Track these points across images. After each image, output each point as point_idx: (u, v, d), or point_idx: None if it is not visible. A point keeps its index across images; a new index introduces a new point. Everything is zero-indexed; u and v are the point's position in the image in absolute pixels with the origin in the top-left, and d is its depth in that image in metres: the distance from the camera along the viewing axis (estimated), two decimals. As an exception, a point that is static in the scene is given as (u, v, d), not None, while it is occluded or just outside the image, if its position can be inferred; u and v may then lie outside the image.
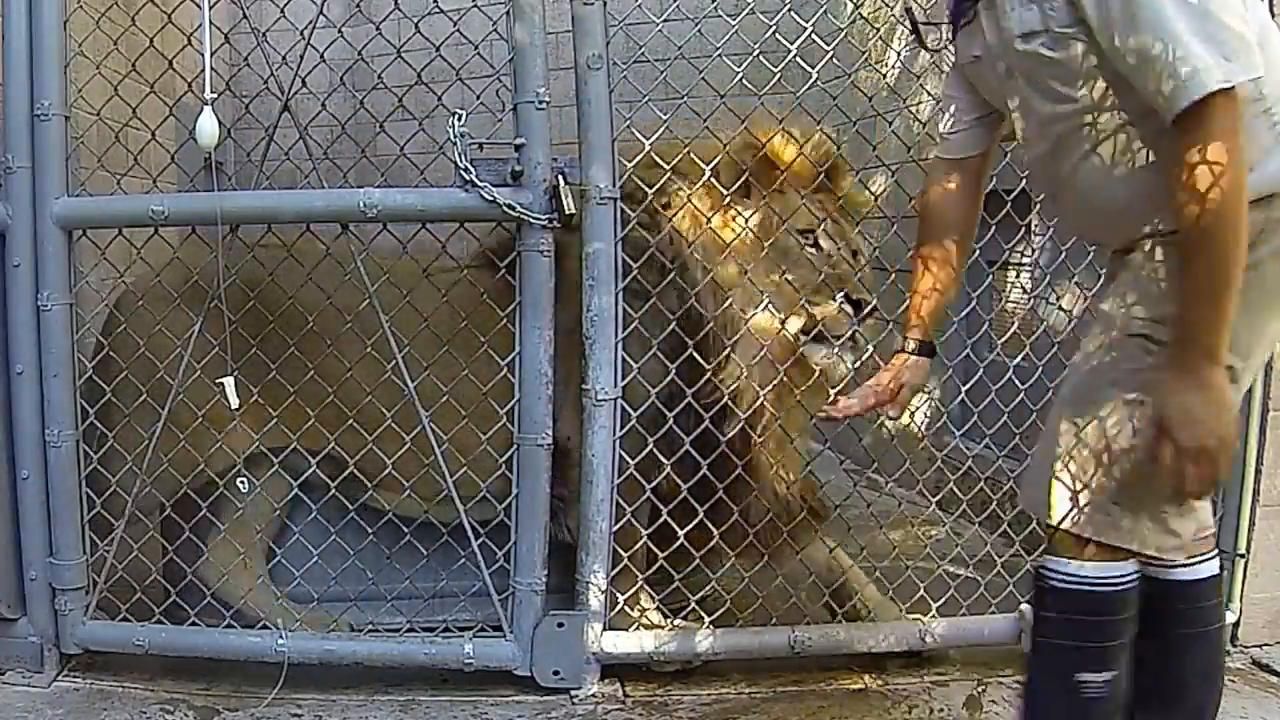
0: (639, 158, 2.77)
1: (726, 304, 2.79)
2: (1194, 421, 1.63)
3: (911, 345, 2.23)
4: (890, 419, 2.30)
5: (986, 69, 1.97)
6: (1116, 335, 1.81)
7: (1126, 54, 1.65)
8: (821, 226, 2.85)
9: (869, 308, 2.79)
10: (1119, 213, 1.83)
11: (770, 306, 2.78)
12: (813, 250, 2.85)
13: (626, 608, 2.86)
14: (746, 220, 2.82)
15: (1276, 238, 1.72)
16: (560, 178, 2.62)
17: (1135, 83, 1.67)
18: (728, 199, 2.81)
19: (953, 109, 2.16)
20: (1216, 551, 1.92)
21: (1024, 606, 2.87)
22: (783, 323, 2.79)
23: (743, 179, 2.81)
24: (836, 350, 2.78)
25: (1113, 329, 1.82)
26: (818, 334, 2.80)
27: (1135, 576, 1.81)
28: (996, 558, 3.00)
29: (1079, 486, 1.79)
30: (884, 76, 3.52)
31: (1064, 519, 1.80)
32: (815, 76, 2.87)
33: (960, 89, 2.13)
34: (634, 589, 2.87)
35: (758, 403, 2.80)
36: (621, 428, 2.75)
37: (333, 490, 2.81)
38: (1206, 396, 1.63)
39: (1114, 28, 1.65)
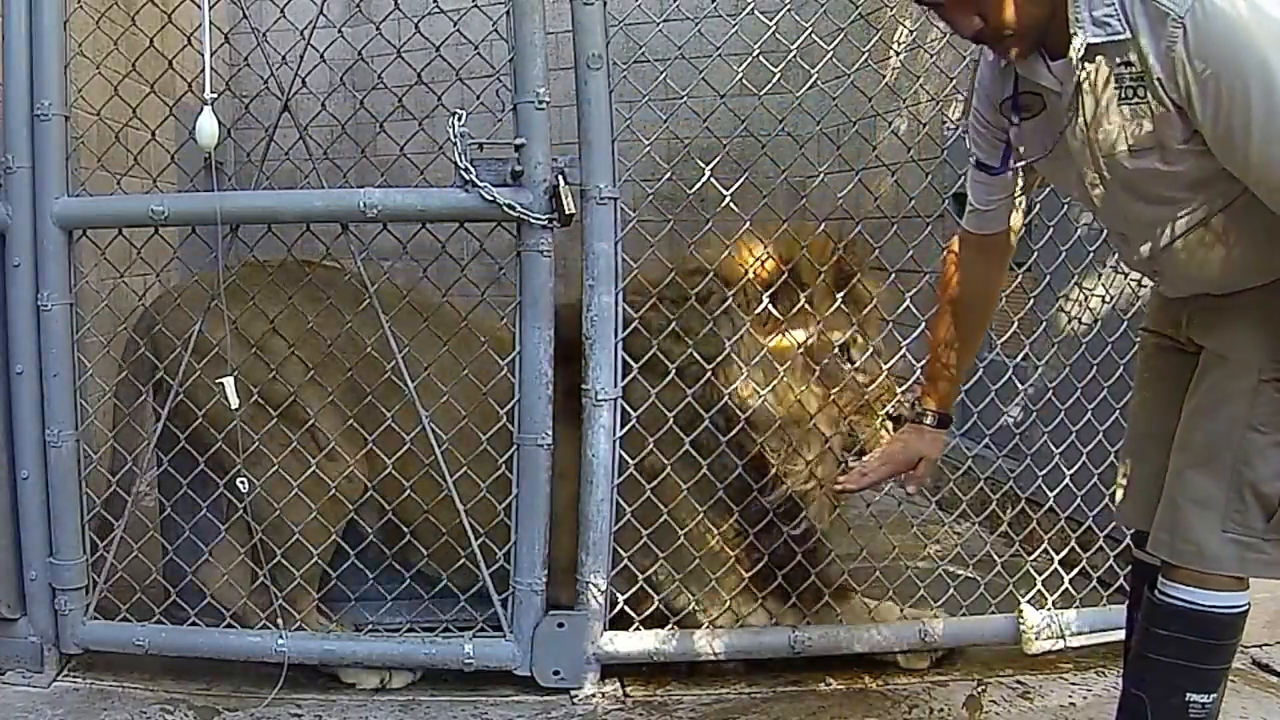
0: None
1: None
2: None
3: (930, 419, 2.20)
4: (908, 493, 2.27)
5: (1058, 166, 1.86)
6: (1250, 381, 1.76)
7: (1262, 162, 1.56)
8: (850, 334, 2.88)
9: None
10: (1228, 276, 1.78)
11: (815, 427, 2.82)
12: (847, 364, 2.89)
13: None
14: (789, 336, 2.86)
15: None
16: (560, 178, 2.62)
17: (1266, 185, 1.59)
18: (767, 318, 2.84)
19: (987, 187, 2.04)
20: None
21: (1025, 607, 2.88)
22: (827, 442, 2.82)
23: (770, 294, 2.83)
24: None
25: (1242, 374, 1.78)
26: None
27: (1249, 603, 1.84)
28: (996, 558, 3.00)
29: (1234, 531, 1.79)
30: (884, 77, 3.52)
31: (1211, 560, 1.80)
32: (815, 76, 2.87)
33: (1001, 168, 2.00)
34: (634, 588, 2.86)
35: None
36: (621, 427, 2.75)
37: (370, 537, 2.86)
38: None
39: (1245, 138, 1.56)
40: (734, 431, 2.81)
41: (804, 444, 2.82)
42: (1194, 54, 1.55)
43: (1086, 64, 1.70)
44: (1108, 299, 3.04)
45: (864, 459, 2.31)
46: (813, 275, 2.85)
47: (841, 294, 2.85)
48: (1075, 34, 1.68)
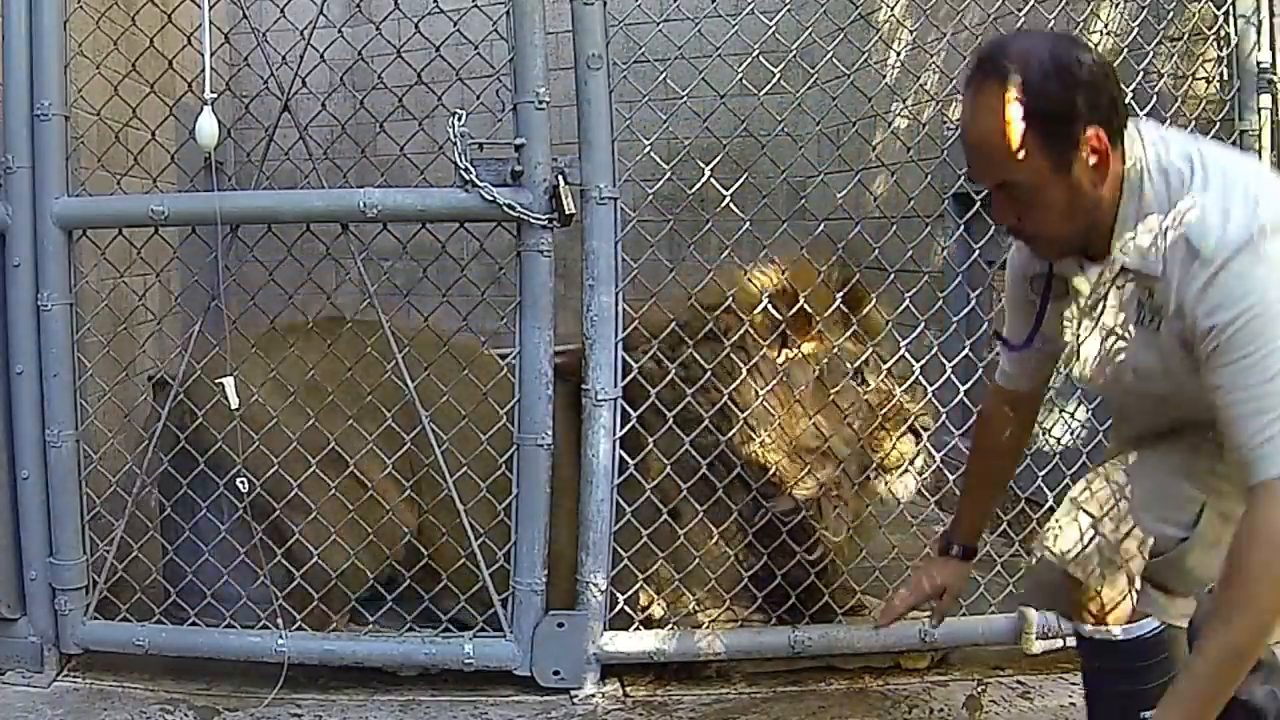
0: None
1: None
2: None
3: (956, 550, 2.23)
4: (933, 626, 2.31)
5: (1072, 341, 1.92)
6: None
7: (1237, 398, 1.58)
8: (865, 358, 2.92)
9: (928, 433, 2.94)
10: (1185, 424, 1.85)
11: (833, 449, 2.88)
12: (862, 387, 2.93)
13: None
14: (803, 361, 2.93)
15: None
16: (560, 178, 2.62)
17: (1232, 424, 1.60)
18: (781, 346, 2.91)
19: (1008, 357, 2.09)
20: None
21: (1025, 608, 2.88)
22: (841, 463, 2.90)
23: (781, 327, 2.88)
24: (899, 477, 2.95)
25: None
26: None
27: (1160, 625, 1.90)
28: (996, 558, 3.00)
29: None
30: (884, 77, 3.52)
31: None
32: (815, 76, 2.87)
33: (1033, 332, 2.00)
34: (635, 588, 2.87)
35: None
36: (621, 427, 2.75)
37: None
38: None
39: (1233, 372, 1.58)
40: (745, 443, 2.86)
41: (819, 466, 2.87)
42: (1209, 299, 1.58)
43: (1117, 282, 1.75)
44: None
45: (891, 594, 2.34)
46: (822, 302, 2.89)
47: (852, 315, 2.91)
48: (1115, 253, 1.72)
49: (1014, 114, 1.62)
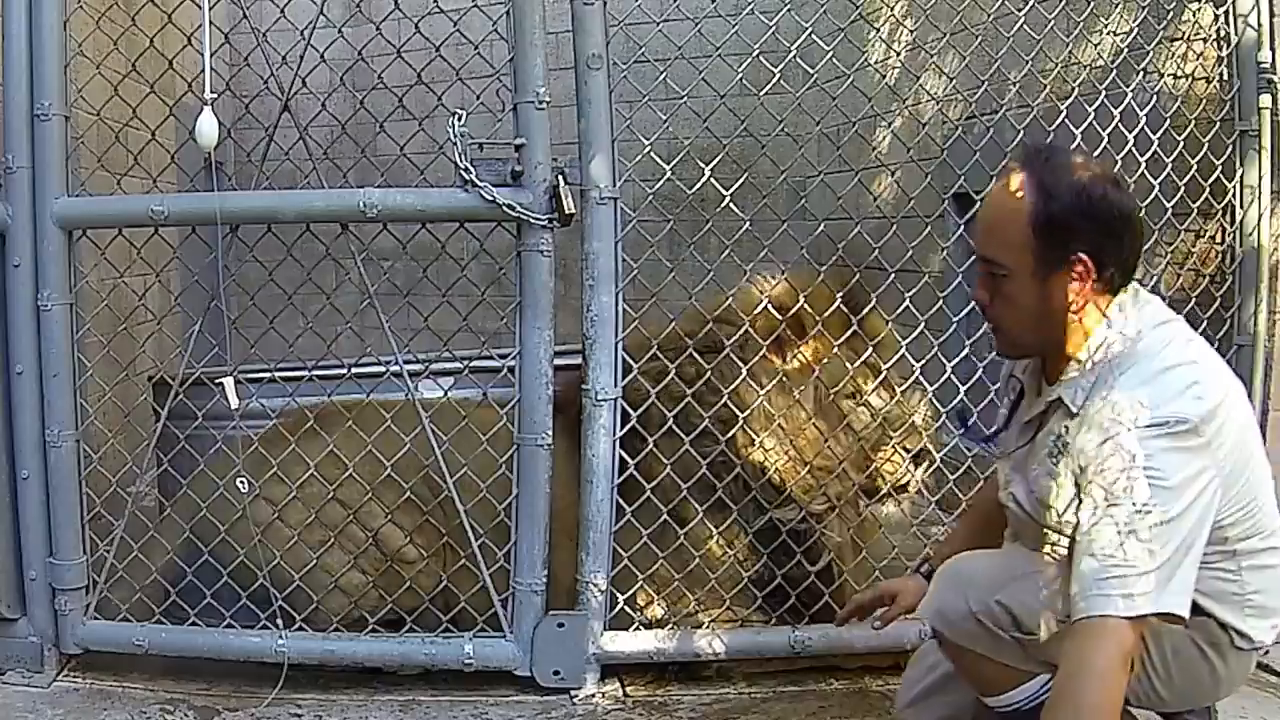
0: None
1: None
2: None
3: (925, 569, 2.30)
4: (875, 629, 2.35)
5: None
6: None
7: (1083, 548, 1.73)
8: (865, 361, 2.92)
9: (928, 459, 2.96)
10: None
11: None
12: (863, 410, 2.94)
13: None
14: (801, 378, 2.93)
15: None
16: (560, 178, 2.62)
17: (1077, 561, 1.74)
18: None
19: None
20: None
21: None
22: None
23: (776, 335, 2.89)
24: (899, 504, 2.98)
25: None
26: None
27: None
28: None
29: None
30: (884, 77, 3.52)
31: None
32: (815, 76, 2.87)
33: None
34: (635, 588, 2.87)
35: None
36: (621, 427, 2.75)
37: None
38: None
39: (1083, 523, 1.74)
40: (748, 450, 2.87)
41: (823, 474, 2.89)
42: (1080, 447, 1.77)
43: (1050, 410, 1.89)
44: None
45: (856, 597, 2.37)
46: (822, 309, 2.89)
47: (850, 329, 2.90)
48: (1056, 381, 1.88)
49: (1026, 204, 1.78)
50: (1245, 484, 1.85)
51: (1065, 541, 1.83)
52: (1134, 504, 1.69)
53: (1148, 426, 1.71)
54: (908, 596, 2.21)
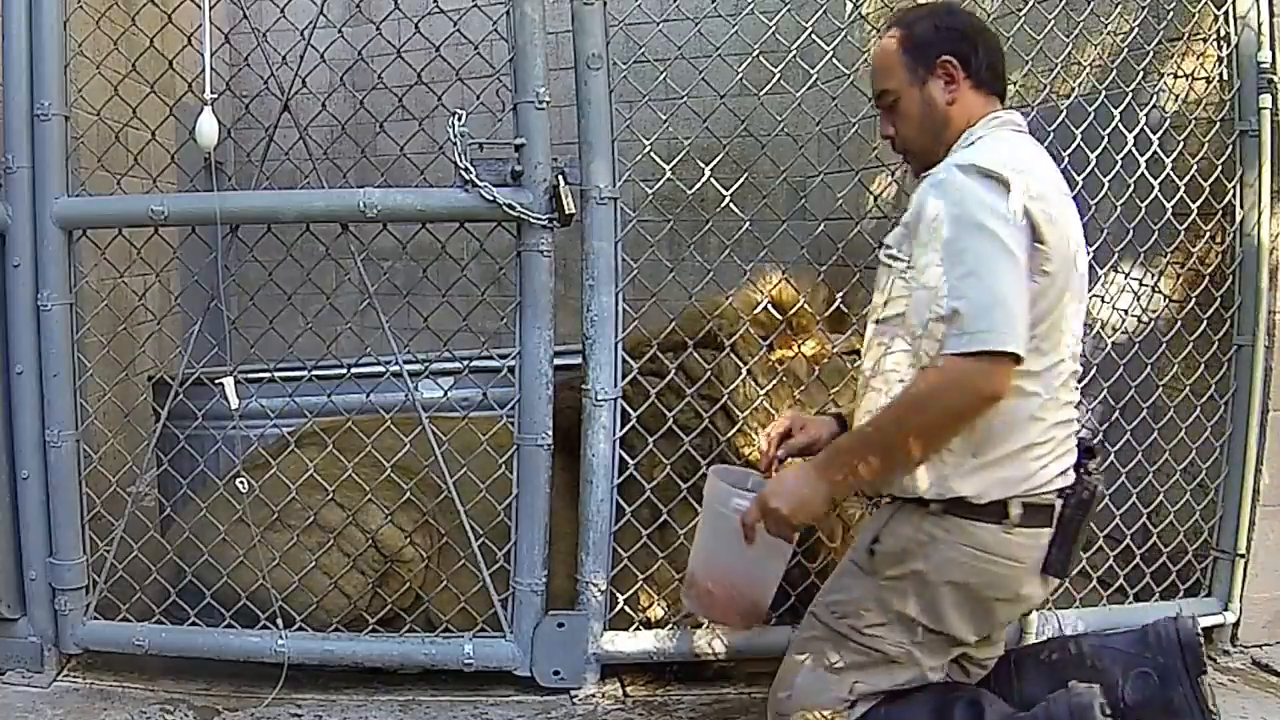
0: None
1: None
2: (785, 492, 2.05)
3: (834, 411, 2.47)
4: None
5: None
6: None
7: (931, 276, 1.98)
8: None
9: None
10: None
11: None
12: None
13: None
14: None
15: (936, 555, 2.04)
16: (560, 178, 2.62)
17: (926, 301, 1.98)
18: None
19: None
20: None
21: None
22: None
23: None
24: None
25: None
26: None
27: None
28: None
29: None
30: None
31: None
32: (815, 76, 2.87)
33: None
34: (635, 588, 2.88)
35: None
36: (621, 427, 2.75)
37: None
38: (805, 483, 2.06)
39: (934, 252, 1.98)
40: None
41: None
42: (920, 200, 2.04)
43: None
44: (1106, 299, 3.04)
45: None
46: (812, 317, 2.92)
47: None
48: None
49: (892, 38, 2.18)
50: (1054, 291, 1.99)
51: (900, 269, 2.07)
52: (946, 236, 1.94)
53: (958, 167, 1.99)
54: (814, 428, 2.32)
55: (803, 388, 2.92)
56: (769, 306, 2.87)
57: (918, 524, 2.06)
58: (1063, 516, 2.07)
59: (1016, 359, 1.89)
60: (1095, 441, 2.24)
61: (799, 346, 2.94)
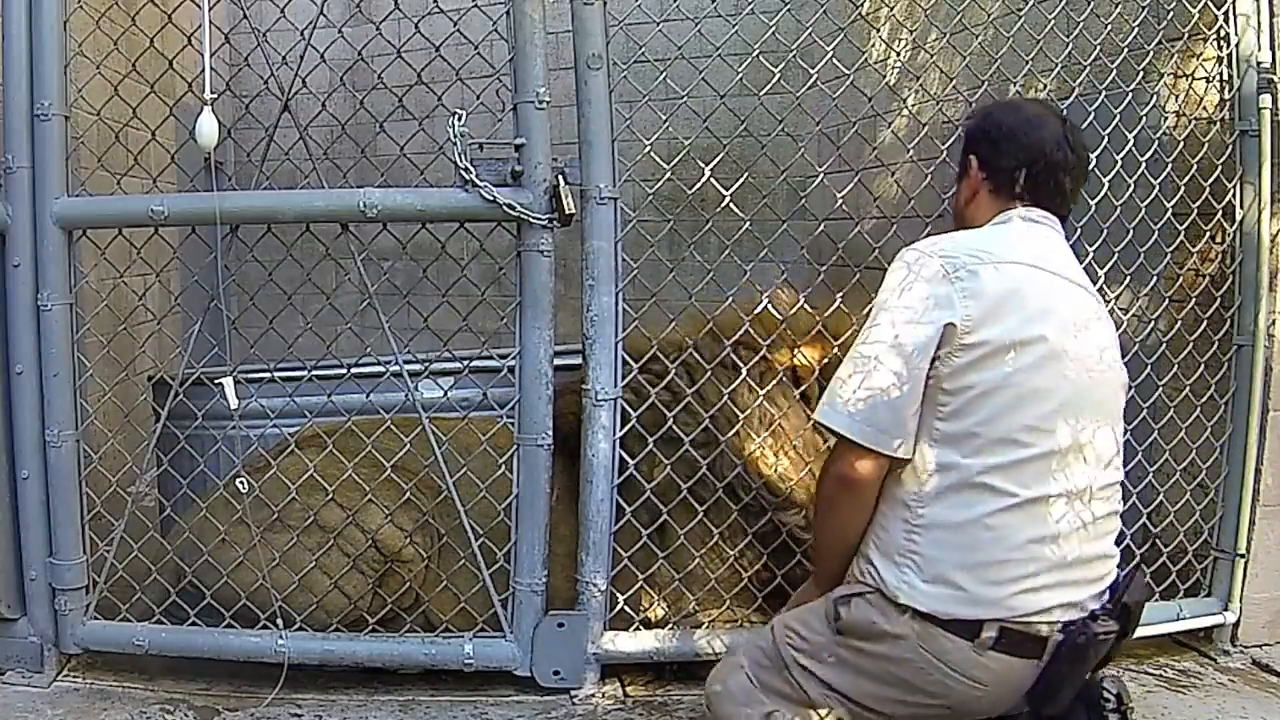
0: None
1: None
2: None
3: None
4: None
5: None
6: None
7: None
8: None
9: None
10: None
11: None
12: None
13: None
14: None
15: (899, 650, 1.94)
16: (560, 178, 2.62)
17: None
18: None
19: None
20: None
21: None
22: None
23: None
24: None
25: None
26: None
27: None
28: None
29: None
30: (884, 77, 3.52)
31: None
32: (815, 76, 2.87)
33: None
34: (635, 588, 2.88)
35: None
36: (621, 427, 2.75)
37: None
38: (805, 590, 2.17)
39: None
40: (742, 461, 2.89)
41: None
42: None
43: None
44: (1105, 298, 3.04)
45: None
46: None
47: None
48: None
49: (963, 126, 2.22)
50: (999, 391, 1.86)
51: None
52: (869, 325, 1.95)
53: (910, 247, 1.98)
54: None
55: (801, 390, 2.91)
56: (771, 308, 2.86)
57: (893, 616, 1.92)
58: (1057, 653, 1.88)
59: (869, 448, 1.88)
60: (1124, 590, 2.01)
61: (798, 351, 2.93)
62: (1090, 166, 2.14)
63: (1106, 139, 2.87)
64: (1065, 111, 2.87)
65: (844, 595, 1.99)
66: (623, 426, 2.76)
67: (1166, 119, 3.02)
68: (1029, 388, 1.87)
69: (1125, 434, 2.97)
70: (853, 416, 1.88)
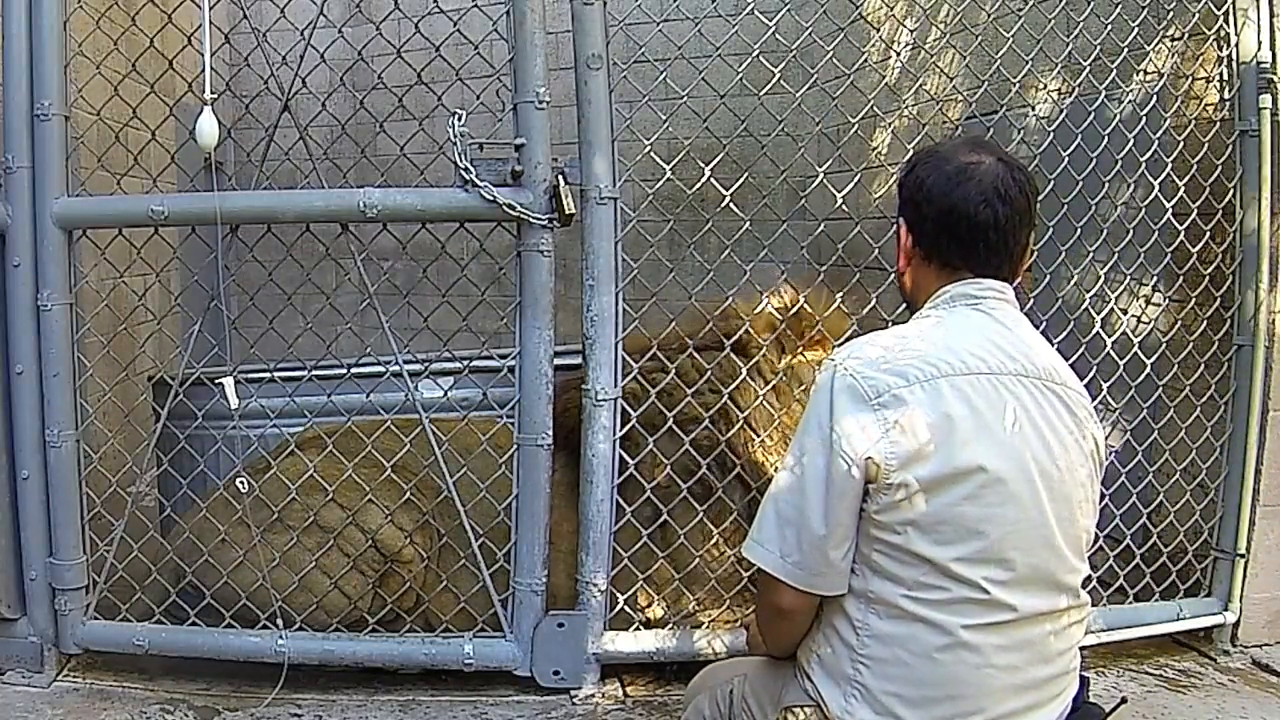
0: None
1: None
2: None
3: None
4: None
5: None
6: None
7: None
8: None
9: None
10: None
11: None
12: None
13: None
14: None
15: None
16: (560, 178, 2.62)
17: None
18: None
19: None
20: None
21: None
22: None
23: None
24: None
25: None
26: None
27: None
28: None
29: None
30: (884, 77, 3.52)
31: None
32: (815, 76, 2.87)
33: None
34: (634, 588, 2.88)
35: None
36: (622, 427, 2.75)
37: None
38: None
39: None
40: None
41: None
42: None
43: None
44: (1105, 298, 3.04)
45: None
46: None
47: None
48: None
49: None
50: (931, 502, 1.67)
51: None
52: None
53: (832, 357, 1.76)
54: None
55: (803, 388, 2.92)
56: (773, 310, 2.87)
57: None
58: None
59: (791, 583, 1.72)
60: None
61: (803, 350, 2.94)
62: (1035, 209, 1.81)
63: (1106, 139, 2.87)
64: (1064, 112, 2.90)
65: (791, 706, 1.86)
66: (623, 426, 2.76)
67: (1166, 119, 3.02)
68: (970, 521, 1.67)
69: (1126, 433, 2.99)
70: (782, 557, 1.72)
